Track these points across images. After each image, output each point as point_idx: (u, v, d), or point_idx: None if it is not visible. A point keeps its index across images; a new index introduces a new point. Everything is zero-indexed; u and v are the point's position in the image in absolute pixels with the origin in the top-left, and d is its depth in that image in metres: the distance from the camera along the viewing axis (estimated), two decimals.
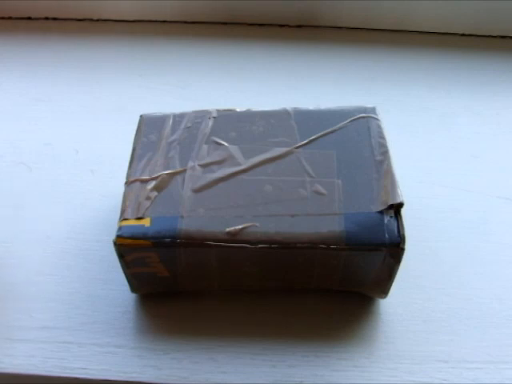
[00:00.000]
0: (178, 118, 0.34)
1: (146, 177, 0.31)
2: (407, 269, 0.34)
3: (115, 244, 0.29)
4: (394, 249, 0.28)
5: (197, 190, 0.30)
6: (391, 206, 0.29)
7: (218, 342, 0.31)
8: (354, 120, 0.34)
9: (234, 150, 0.32)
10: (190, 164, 0.32)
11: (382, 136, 0.33)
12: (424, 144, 0.42)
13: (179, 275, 0.31)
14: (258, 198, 0.30)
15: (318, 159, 0.32)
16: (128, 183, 0.31)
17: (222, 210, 0.29)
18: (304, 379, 0.30)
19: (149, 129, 0.34)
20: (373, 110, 0.34)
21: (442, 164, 0.40)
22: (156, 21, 0.54)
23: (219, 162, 0.32)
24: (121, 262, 0.30)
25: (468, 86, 0.47)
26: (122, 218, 0.29)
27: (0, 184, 0.40)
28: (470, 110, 0.45)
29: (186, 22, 0.53)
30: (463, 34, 0.51)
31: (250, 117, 0.34)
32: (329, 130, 0.33)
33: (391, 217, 0.29)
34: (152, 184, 0.31)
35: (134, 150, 0.33)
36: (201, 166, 0.31)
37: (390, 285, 0.31)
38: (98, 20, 0.54)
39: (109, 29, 0.53)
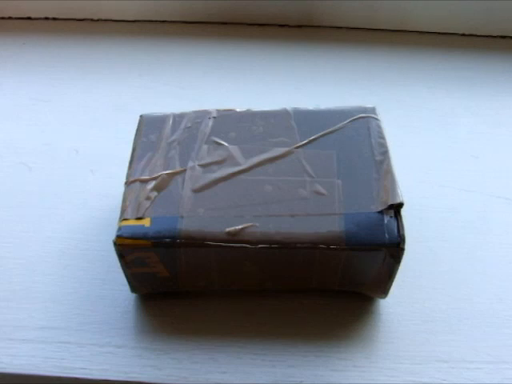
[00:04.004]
0: (178, 118, 0.34)
1: (145, 177, 0.31)
2: (407, 269, 0.34)
3: (115, 244, 0.29)
4: (393, 249, 0.28)
5: (197, 190, 0.30)
6: (391, 206, 0.29)
7: (217, 341, 0.31)
8: (353, 120, 0.34)
9: (233, 149, 0.32)
10: (190, 164, 0.32)
11: (381, 136, 0.33)
12: (424, 144, 0.42)
13: (179, 275, 0.31)
14: (257, 198, 0.30)
15: (317, 159, 0.32)
16: (128, 183, 0.31)
17: (222, 210, 0.29)
18: (304, 379, 0.30)
19: (149, 129, 0.34)
20: (373, 110, 0.34)
21: (441, 164, 0.40)
22: (156, 21, 0.54)
23: (219, 162, 0.32)
24: (121, 262, 0.30)
25: (468, 86, 0.47)
26: (122, 218, 0.29)
27: (0, 184, 0.40)
28: (470, 110, 0.45)
29: (185, 22, 0.53)
30: (463, 34, 0.51)
31: (250, 117, 0.34)
32: (329, 130, 0.33)
33: (391, 217, 0.29)
34: (152, 184, 0.31)
35: (133, 150, 0.33)
36: (201, 165, 0.31)
37: (390, 285, 0.31)
38: (98, 20, 0.54)
39: (109, 29, 0.53)
